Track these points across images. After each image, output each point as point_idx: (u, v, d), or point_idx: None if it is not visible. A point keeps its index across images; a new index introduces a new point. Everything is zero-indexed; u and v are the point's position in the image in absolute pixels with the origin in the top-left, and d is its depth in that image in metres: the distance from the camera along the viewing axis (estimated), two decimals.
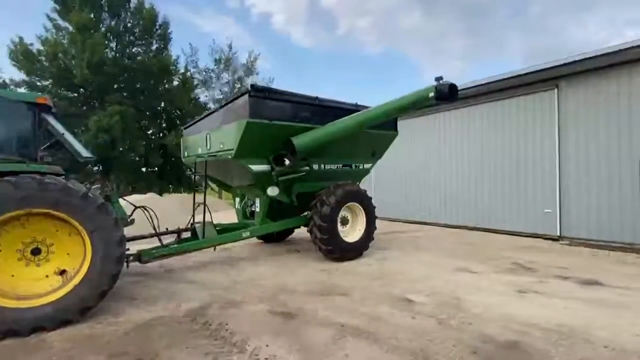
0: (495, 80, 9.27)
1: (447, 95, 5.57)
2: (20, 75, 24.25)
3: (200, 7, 58.05)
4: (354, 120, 6.31)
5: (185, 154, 8.25)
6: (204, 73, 32.99)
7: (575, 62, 7.77)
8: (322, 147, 6.45)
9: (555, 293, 4.84)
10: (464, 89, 9.97)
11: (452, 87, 5.60)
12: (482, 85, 9.60)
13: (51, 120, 4.39)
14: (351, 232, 7.02)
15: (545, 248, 7.92)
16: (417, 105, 6.22)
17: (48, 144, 4.83)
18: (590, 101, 8.06)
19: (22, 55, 23.27)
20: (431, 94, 5.66)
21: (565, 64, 7.94)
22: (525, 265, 6.39)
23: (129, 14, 26.27)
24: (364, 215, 7.07)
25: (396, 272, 5.97)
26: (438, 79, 5.68)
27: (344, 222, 6.94)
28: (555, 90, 8.58)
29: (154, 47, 27.71)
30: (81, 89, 24.98)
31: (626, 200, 7.50)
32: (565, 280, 5.47)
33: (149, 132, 28.78)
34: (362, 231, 7.01)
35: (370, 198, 7.28)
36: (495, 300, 4.55)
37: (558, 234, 8.53)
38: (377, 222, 7.45)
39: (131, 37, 26.69)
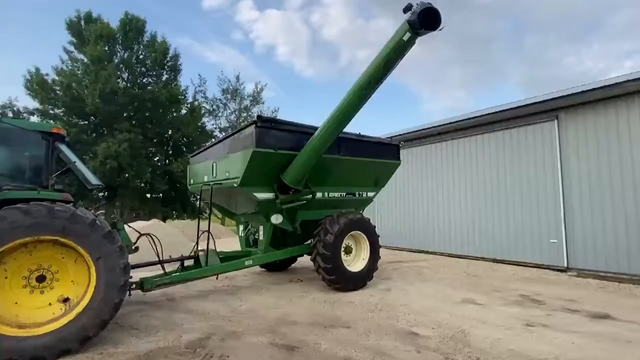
0: (496, 111, 9.47)
1: (421, 26, 4.18)
2: (33, 104, 25.16)
3: (207, 39, 60.91)
4: (328, 123, 5.66)
5: (192, 181, 8.38)
6: (212, 102, 33.90)
7: (573, 94, 7.98)
8: (315, 167, 6.23)
9: (563, 327, 4.72)
10: (467, 119, 10.20)
11: (427, 11, 4.15)
12: (484, 115, 9.81)
13: (64, 148, 4.56)
14: (355, 262, 6.96)
15: (553, 279, 7.77)
16: (395, 59, 4.77)
17: (59, 171, 4.96)
18: (590, 132, 8.18)
19: (37, 85, 24.22)
20: (406, 35, 4.34)
21: (563, 96, 8.14)
22: (533, 297, 6.26)
23: (141, 46, 27.46)
24: (368, 244, 7.03)
25: (400, 303, 5.87)
26: (406, 9, 4.28)
27: (348, 251, 6.91)
28: (555, 121, 8.74)
29: (164, 78, 28.72)
30: (92, 117, 25.72)
31: (633, 232, 7.42)
32: (574, 313, 5.34)
33: (155, 159, 29.24)
34: (366, 260, 6.94)
35: (374, 227, 7.26)
36: (502, 334, 4.44)
37: (565, 265, 8.39)
38: (382, 252, 7.39)
39: (142, 69, 27.78)
